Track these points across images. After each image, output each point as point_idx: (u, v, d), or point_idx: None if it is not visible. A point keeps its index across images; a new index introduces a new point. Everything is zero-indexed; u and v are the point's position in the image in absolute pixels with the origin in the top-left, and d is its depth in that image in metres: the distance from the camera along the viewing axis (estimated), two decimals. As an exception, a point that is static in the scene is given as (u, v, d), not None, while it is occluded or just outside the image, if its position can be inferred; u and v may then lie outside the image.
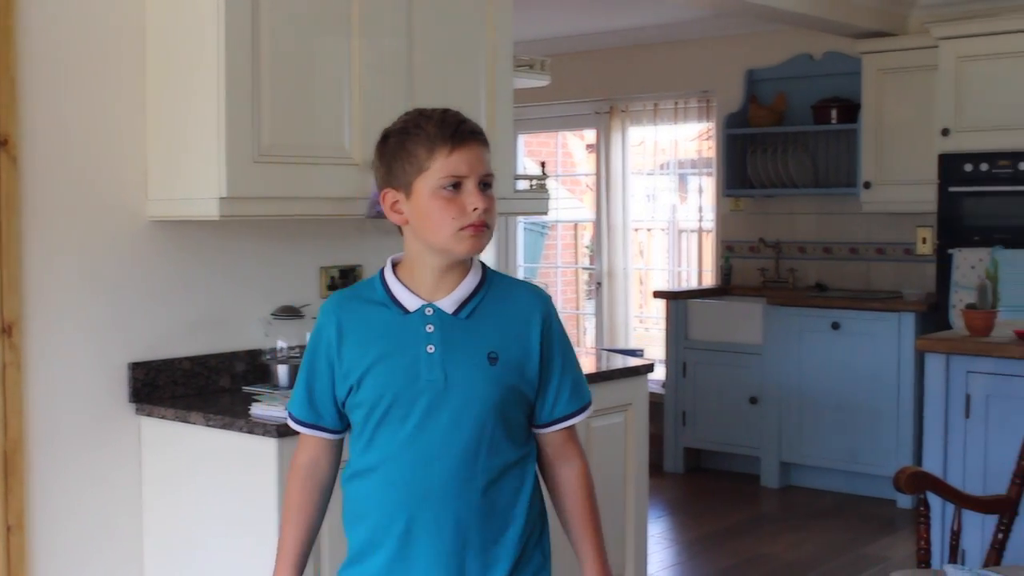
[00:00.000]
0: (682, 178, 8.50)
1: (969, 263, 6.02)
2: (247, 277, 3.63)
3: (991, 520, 3.71)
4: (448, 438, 2.07)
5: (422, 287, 2.12)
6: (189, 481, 3.28)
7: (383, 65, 3.50)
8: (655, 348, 8.24)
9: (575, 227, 9.65)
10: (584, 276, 9.20)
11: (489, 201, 2.07)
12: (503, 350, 2.10)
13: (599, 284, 8.51)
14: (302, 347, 3.54)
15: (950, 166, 6.17)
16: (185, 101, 3.24)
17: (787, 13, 6.12)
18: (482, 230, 2.06)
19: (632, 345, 8.29)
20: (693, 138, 8.49)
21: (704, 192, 8.14)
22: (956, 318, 5.82)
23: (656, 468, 6.95)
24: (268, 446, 3.02)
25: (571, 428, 2.21)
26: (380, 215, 3.43)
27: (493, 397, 2.08)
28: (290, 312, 3.61)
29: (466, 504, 2.08)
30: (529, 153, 9.21)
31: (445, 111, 2.11)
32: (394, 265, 2.19)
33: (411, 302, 2.11)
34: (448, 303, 2.10)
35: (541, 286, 2.27)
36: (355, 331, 2.13)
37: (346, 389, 2.14)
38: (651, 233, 8.97)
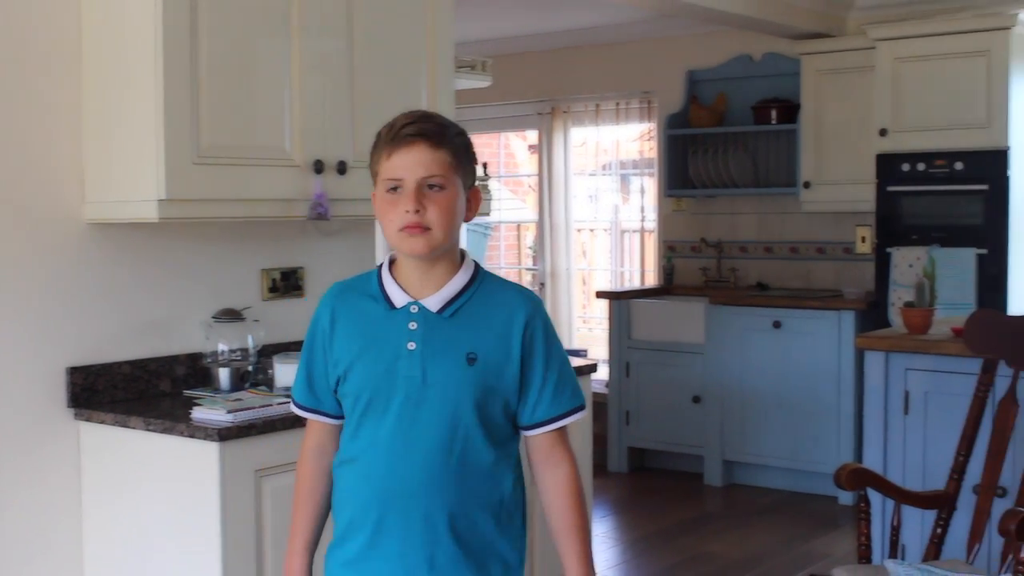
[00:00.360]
0: (624, 178, 8.53)
1: (907, 261, 6.09)
2: (187, 280, 3.60)
3: (930, 515, 3.76)
4: (422, 435, 2.11)
5: (410, 284, 2.16)
6: (130, 487, 3.24)
7: (323, 66, 3.49)
8: (598, 348, 8.26)
9: (518, 228, 9.66)
10: (527, 277, 9.20)
11: (424, 202, 2.09)
12: (482, 351, 2.12)
13: (542, 285, 8.52)
14: (244, 350, 3.52)
15: (888, 166, 6.25)
16: (122, 102, 3.20)
17: (727, 15, 6.16)
18: (417, 231, 2.09)
19: (575, 345, 8.30)
20: (635, 139, 8.53)
21: (646, 192, 8.18)
22: (895, 316, 5.89)
23: (600, 468, 6.97)
24: (210, 450, 2.99)
25: (557, 432, 2.21)
26: (321, 216, 3.44)
27: (470, 397, 2.12)
28: (231, 315, 3.58)
29: (438, 501, 2.11)
30: (471, 154, 9.18)
31: (410, 113, 2.15)
32: (392, 261, 2.22)
33: (399, 298, 2.16)
34: (433, 301, 2.14)
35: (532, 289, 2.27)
36: (346, 322, 2.19)
37: (335, 379, 2.20)
38: (594, 233, 8.99)
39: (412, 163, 2.09)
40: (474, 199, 2.21)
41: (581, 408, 2.23)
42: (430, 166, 2.10)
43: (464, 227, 2.27)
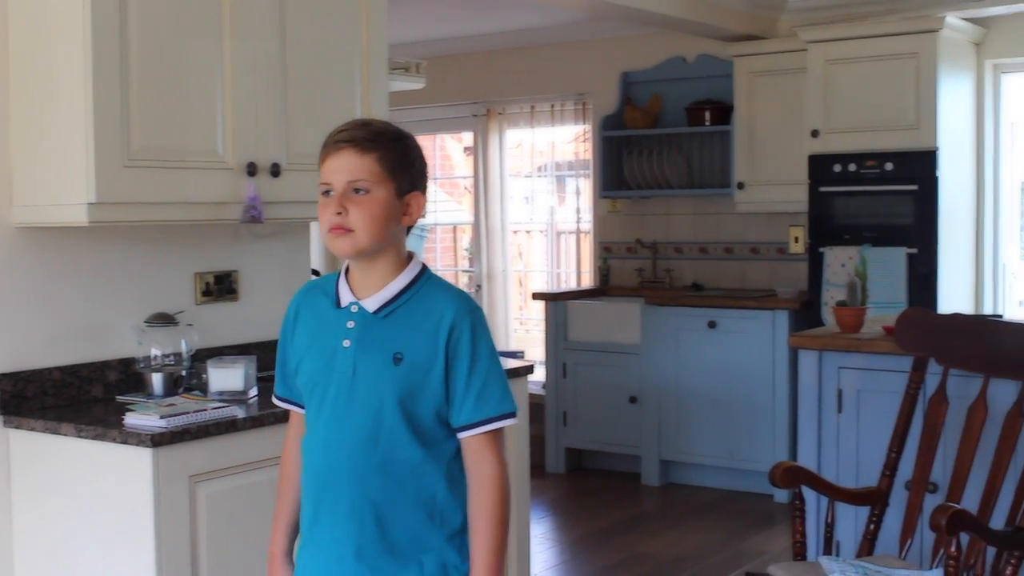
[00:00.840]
0: (560, 180, 8.55)
1: (839, 261, 6.16)
2: (119, 284, 3.55)
3: (864, 512, 3.80)
4: (349, 427, 2.21)
5: (356, 285, 2.27)
6: (61, 495, 3.19)
7: (256, 67, 3.46)
8: (535, 349, 8.26)
9: (454, 230, 9.65)
10: (464, 278, 9.19)
11: (347, 205, 2.18)
12: (409, 352, 2.20)
13: (479, 286, 8.51)
14: (177, 355, 3.49)
15: (820, 167, 6.31)
16: (51, 104, 3.15)
17: (660, 16, 6.20)
18: (340, 232, 2.19)
19: (512, 347, 8.30)
20: (570, 140, 8.54)
21: (581, 194, 8.20)
22: (828, 315, 5.95)
23: (538, 469, 6.98)
24: (142, 456, 2.96)
25: (484, 436, 2.24)
26: (255, 219, 3.41)
27: (392, 394, 2.19)
28: (164, 319, 3.54)
29: (362, 492, 2.21)
30: (407, 156, 9.14)
31: (350, 121, 2.27)
32: None
33: (345, 298, 2.27)
34: (372, 302, 2.24)
35: (470, 294, 2.32)
36: (305, 319, 2.32)
37: (294, 372, 2.33)
38: (530, 235, 9.00)
39: (339, 168, 2.19)
40: (414, 204, 2.27)
41: (509, 415, 2.26)
42: (354, 171, 2.19)
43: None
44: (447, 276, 9.43)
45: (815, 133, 6.28)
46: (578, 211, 8.21)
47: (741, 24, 6.66)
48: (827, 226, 6.31)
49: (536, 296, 7.53)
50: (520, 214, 8.70)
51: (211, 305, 3.80)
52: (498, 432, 2.26)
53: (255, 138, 3.45)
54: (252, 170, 3.42)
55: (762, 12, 6.79)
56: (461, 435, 2.25)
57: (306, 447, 2.29)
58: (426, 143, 9.33)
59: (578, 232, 8.23)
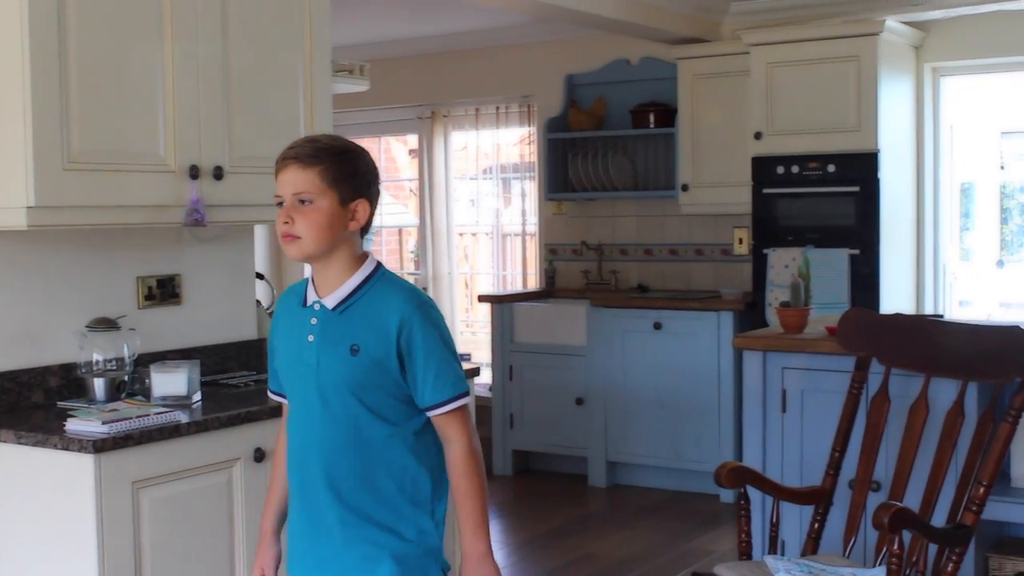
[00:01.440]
0: (505, 182, 8.55)
1: (783, 262, 6.21)
2: (60, 289, 3.51)
3: (808, 511, 3.82)
4: (318, 412, 2.46)
5: (318, 284, 2.51)
6: (1, 502, 3.14)
7: (198, 69, 3.43)
8: (482, 352, 8.26)
9: (400, 232, 9.62)
10: (410, 281, 9.18)
11: (292, 215, 2.41)
12: (364, 344, 2.43)
13: (424, 289, 8.49)
14: (119, 359, 3.45)
15: (763, 168, 6.36)
16: (-11, 107, 3.11)
17: (604, 19, 6.21)
18: (289, 240, 2.43)
19: (459, 349, 8.27)
20: (515, 143, 8.55)
21: (527, 196, 8.21)
22: (772, 316, 5.99)
23: (485, 471, 6.96)
24: (84, 462, 2.92)
25: (447, 414, 2.50)
26: (197, 223, 3.38)
27: (351, 382, 2.43)
28: (106, 324, 3.51)
29: (335, 465, 2.45)
30: (352, 159, 9.09)
31: (301, 138, 2.51)
32: None
33: (310, 297, 2.51)
34: (331, 300, 2.47)
35: (422, 290, 2.58)
36: (282, 319, 2.58)
37: (279, 367, 2.59)
38: (476, 237, 8.99)
39: (287, 181, 2.43)
40: (360, 210, 2.47)
41: (464, 395, 2.52)
42: (298, 184, 2.41)
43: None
44: (393, 279, 9.39)
45: (758, 135, 6.33)
46: (524, 213, 8.21)
47: (685, 27, 6.69)
48: (771, 227, 6.36)
49: (482, 298, 7.53)
50: (466, 216, 8.69)
51: (154, 309, 3.77)
52: (462, 407, 2.51)
53: (197, 141, 3.42)
54: (194, 173, 3.39)
55: (705, 15, 6.83)
56: (429, 414, 2.49)
57: (287, 434, 2.56)
58: (371, 145, 9.29)
59: (524, 234, 8.23)
